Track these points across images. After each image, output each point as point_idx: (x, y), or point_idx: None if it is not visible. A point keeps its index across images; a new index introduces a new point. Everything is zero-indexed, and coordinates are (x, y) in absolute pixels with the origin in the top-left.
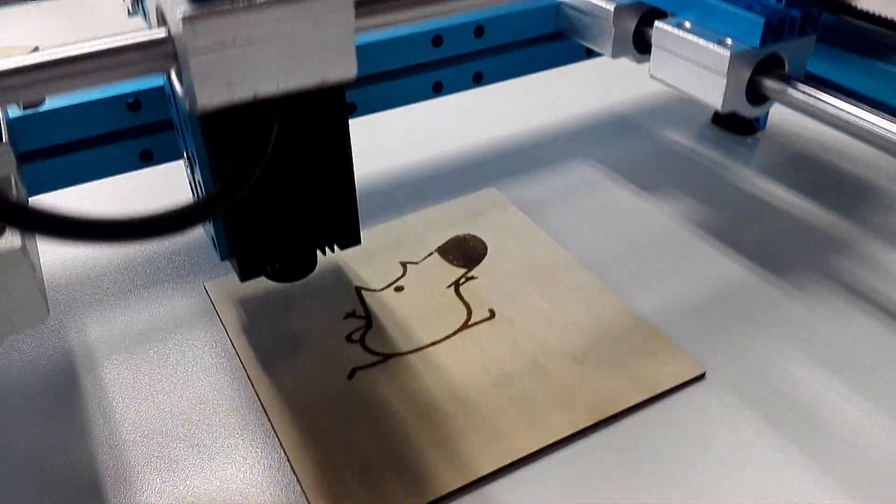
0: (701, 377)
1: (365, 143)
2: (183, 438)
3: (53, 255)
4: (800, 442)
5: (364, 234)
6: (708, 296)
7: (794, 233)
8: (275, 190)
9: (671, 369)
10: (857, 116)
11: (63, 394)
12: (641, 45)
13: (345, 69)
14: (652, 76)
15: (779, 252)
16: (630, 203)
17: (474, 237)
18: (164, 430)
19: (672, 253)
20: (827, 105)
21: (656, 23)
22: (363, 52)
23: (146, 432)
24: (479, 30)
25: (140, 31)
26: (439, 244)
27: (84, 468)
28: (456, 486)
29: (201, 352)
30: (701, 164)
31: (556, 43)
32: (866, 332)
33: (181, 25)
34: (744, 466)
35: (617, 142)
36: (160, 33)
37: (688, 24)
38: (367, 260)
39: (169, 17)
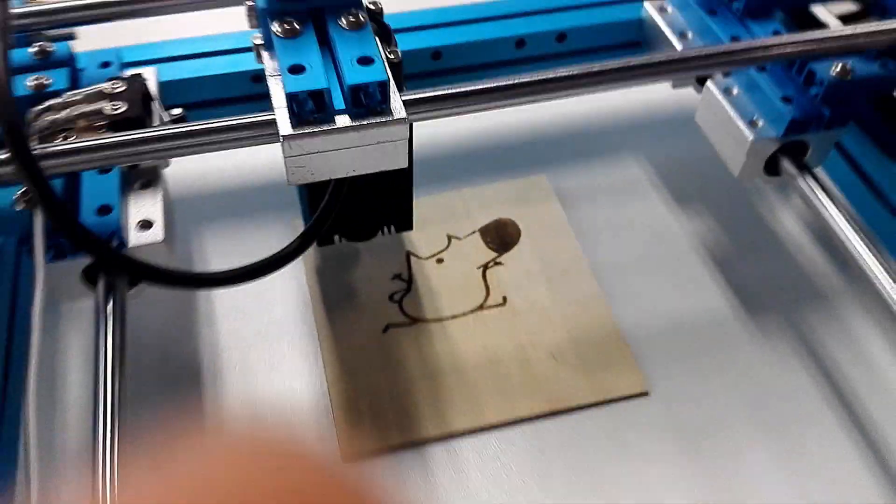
0: (645, 394)
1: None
2: (259, 350)
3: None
4: (693, 476)
5: (424, 200)
6: (683, 323)
7: (791, 278)
8: (350, 199)
9: (625, 383)
10: (840, 231)
11: (184, 298)
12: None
13: (399, 162)
14: (696, 120)
15: (766, 294)
16: (657, 214)
17: (513, 223)
18: (247, 341)
19: (673, 274)
20: (822, 207)
21: (708, 82)
22: (450, 50)
23: (236, 341)
24: (561, 36)
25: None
26: (483, 224)
27: (191, 360)
28: (432, 435)
29: (285, 283)
30: (739, 184)
31: (637, 50)
32: (805, 399)
33: (281, 139)
34: (643, 475)
35: (674, 141)
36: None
37: (735, 91)
38: (422, 227)
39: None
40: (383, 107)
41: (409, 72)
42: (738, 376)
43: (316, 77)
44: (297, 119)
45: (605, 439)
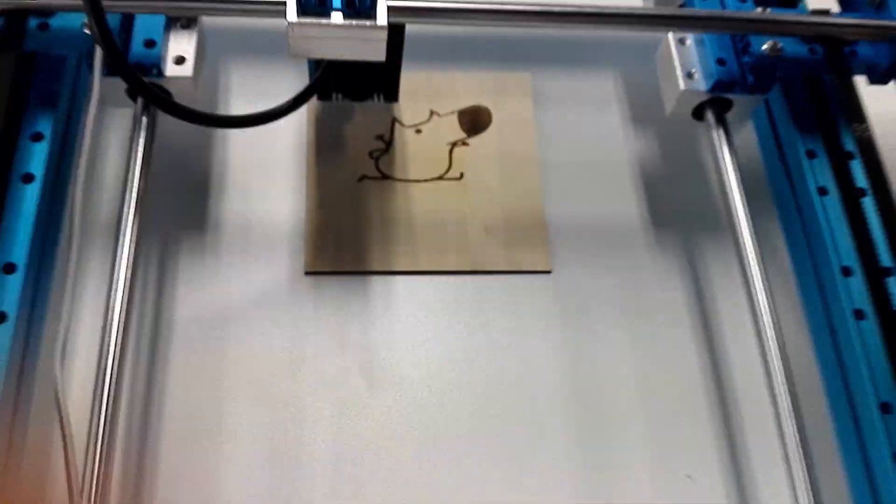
0: (548, 272)
1: None
2: (258, 174)
3: None
4: (563, 344)
5: (420, 74)
6: (598, 224)
7: (699, 209)
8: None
9: (534, 260)
10: (727, 185)
11: None
12: None
13: (378, 56)
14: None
15: (674, 216)
16: (612, 127)
17: (488, 111)
18: (251, 164)
19: (604, 181)
20: (721, 159)
21: (669, 34)
22: None
23: (242, 163)
24: None
25: None
26: (462, 107)
27: (203, 172)
28: (376, 269)
29: (289, 125)
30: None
31: None
32: (672, 307)
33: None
34: (526, 335)
35: (652, 66)
36: None
37: (687, 42)
38: (412, 98)
39: None
40: (371, 12)
41: None
42: (627, 275)
43: None
44: (302, 9)
45: (507, 300)
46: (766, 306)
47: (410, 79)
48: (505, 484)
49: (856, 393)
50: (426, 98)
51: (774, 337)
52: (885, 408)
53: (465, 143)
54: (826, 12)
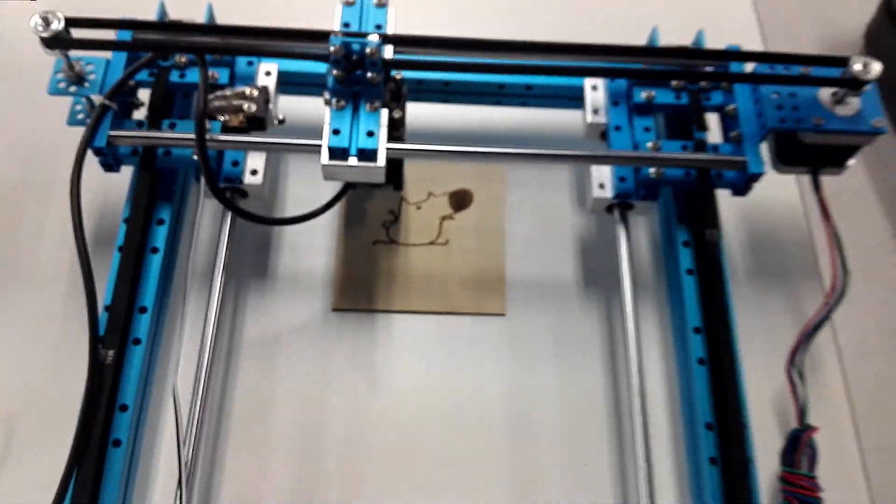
0: (502, 315)
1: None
2: (307, 235)
3: None
4: (507, 370)
5: (425, 164)
6: (544, 282)
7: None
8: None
9: (493, 305)
10: (622, 274)
11: (274, 213)
12: None
13: (379, 179)
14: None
15: (603, 281)
16: (562, 207)
17: (471, 193)
18: (301, 229)
19: (555, 250)
20: (620, 250)
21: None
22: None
23: (294, 228)
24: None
25: None
26: (452, 189)
27: (266, 237)
28: (380, 308)
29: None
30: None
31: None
32: (590, 349)
33: (321, 164)
34: (478, 364)
35: None
36: None
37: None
38: (416, 183)
39: None
40: (375, 157)
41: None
42: (561, 319)
43: (343, 140)
44: (330, 154)
45: (472, 335)
46: (634, 352)
47: (417, 167)
48: (452, 472)
49: (694, 413)
50: (426, 182)
51: (637, 373)
52: (708, 426)
53: (452, 218)
54: (703, 144)
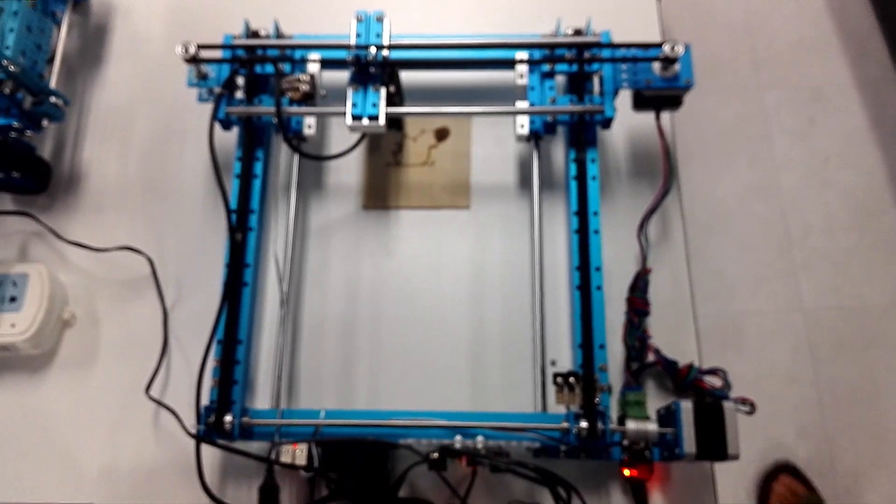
0: (467, 207)
1: None
2: (346, 161)
3: None
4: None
5: (419, 118)
6: (501, 185)
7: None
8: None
9: (463, 201)
10: None
11: None
12: None
13: None
14: None
15: None
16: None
17: (448, 129)
18: (341, 159)
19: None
20: None
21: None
22: None
23: (338, 161)
24: None
25: None
26: (437, 127)
27: (326, 167)
28: (393, 206)
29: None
30: None
31: None
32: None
33: None
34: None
35: None
36: None
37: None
38: (414, 126)
39: None
40: (377, 119)
41: None
42: (505, 212)
43: (358, 110)
44: (352, 118)
45: (449, 222)
46: (537, 231)
47: (415, 119)
48: (436, 304)
49: (570, 262)
50: (419, 122)
51: (538, 247)
52: (577, 268)
53: (436, 147)
54: (582, 98)
